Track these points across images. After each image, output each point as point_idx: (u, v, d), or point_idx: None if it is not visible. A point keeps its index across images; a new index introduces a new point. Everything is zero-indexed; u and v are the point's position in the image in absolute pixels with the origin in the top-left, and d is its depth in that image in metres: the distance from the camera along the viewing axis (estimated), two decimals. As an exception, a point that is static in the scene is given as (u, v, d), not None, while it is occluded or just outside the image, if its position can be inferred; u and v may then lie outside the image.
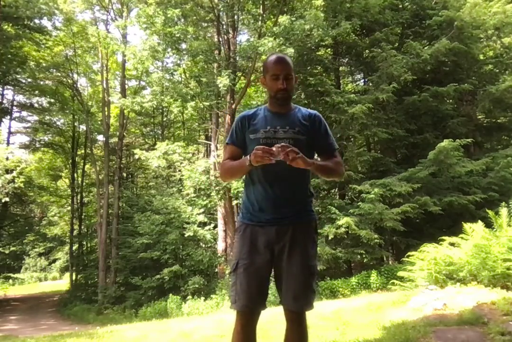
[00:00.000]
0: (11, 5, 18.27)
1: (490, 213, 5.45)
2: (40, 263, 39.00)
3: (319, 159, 2.13)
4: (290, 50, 11.54)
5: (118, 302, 15.66)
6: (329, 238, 11.07)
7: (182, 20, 14.03)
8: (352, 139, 14.00)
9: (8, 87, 22.82)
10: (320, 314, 4.71)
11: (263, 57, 12.10)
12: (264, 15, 13.81)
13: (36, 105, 24.41)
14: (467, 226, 5.42)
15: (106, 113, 20.54)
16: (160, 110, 24.09)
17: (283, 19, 11.84)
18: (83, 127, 25.01)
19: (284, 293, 1.97)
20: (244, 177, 2.15)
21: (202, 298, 12.22)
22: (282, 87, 1.99)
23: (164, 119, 25.65)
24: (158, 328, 6.22)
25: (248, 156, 1.88)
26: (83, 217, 25.86)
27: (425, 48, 13.37)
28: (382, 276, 10.47)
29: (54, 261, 37.85)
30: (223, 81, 12.22)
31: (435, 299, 4.22)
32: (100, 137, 24.93)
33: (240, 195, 12.87)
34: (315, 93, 13.79)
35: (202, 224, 14.78)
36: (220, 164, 2.18)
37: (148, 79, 15.26)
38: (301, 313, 2.01)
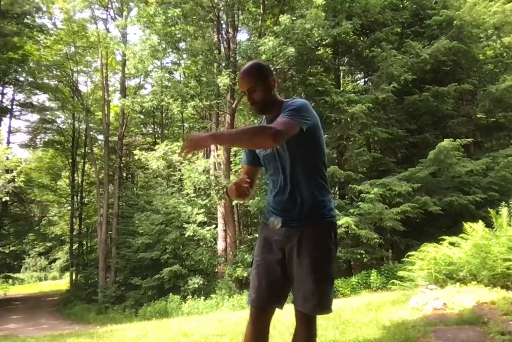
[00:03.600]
0: (8, 2, 18.24)
1: (491, 212, 5.45)
2: (40, 262, 39.00)
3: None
4: (291, 50, 11.52)
5: (118, 302, 15.65)
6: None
7: (182, 19, 14.01)
8: (352, 139, 14.00)
9: (8, 86, 22.83)
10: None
11: (263, 56, 12.09)
12: (264, 15, 13.80)
13: (36, 104, 24.42)
14: (467, 225, 5.41)
15: (106, 112, 20.53)
16: (160, 110, 24.06)
17: (284, 18, 11.83)
18: (83, 126, 25.02)
19: (296, 294, 1.99)
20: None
21: (202, 297, 12.23)
22: (249, 103, 2.06)
23: (164, 118, 25.65)
24: (158, 327, 6.23)
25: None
26: (83, 216, 25.85)
27: (425, 47, 13.37)
28: (382, 276, 10.48)
29: (54, 260, 37.85)
30: (223, 81, 12.21)
31: (435, 299, 4.22)
32: (100, 137, 24.94)
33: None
34: (315, 92, 13.79)
35: (202, 224, 14.77)
36: None
37: (151, 78, 15.26)
38: (310, 315, 2.01)
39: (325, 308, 1.99)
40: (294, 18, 12.10)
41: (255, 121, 15.16)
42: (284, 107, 1.99)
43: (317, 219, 2.01)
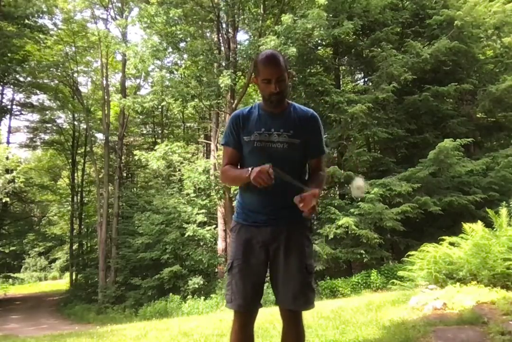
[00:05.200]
0: (11, 4, 18.30)
1: (491, 212, 5.44)
2: (40, 262, 38.98)
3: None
4: (292, 50, 11.50)
5: (118, 302, 15.66)
6: (329, 238, 11.07)
7: (183, 20, 14.01)
8: (352, 139, 13.99)
9: (8, 86, 22.81)
10: (320, 313, 4.70)
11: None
12: (265, 15, 13.80)
13: (36, 104, 24.41)
14: (467, 225, 5.41)
15: (106, 112, 20.53)
16: (160, 110, 24.08)
17: (286, 17, 11.79)
18: (83, 126, 25.04)
19: (283, 293, 1.96)
20: None
21: (202, 297, 12.23)
22: (275, 92, 1.92)
23: (164, 118, 25.66)
24: (158, 327, 6.22)
25: (248, 170, 1.81)
26: (83, 216, 25.85)
27: (425, 47, 13.36)
28: (382, 276, 10.48)
29: (54, 260, 37.84)
30: (224, 81, 12.19)
31: (435, 299, 4.21)
32: (100, 136, 24.96)
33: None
34: (315, 92, 13.79)
35: (202, 224, 14.77)
36: (221, 170, 2.11)
37: (151, 78, 15.23)
38: (299, 312, 2.00)
39: (312, 302, 2.00)
40: (295, 18, 12.09)
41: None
42: (299, 114, 2.01)
43: (300, 215, 1.98)
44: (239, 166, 2.07)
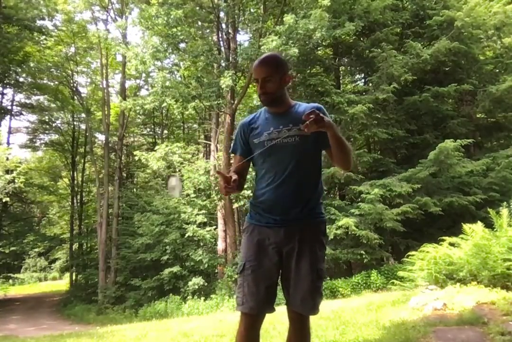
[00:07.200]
0: (12, 7, 18.33)
1: (491, 212, 5.44)
2: (40, 263, 38.95)
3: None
4: (294, 50, 11.50)
5: (118, 302, 15.65)
6: (329, 238, 11.07)
7: (183, 20, 14.02)
8: (352, 139, 13.99)
9: (8, 87, 22.81)
10: (320, 313, 4.67)
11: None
12: (265, 16, 13.80)
13: (35, 104, 24.39)
14: (467, 226, 5.41)
15: (106, 112, 20.54)
16: (160, 110, 24.08)
17: (288, 17, 11.78)
18: (83, 126, 25.04)
19: (292, 296, 1.95)
20: (254, 175, 2.14)
21: (202, 298, 12.23)
22: (260, 92, 1.98)
23: (164, 118, 25.65)
24: (158, 328, 6.22)
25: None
26: (83, 216, 25.84)
27: (425, 48, 13.37)
28: (382, 276, 10.48)
29: (54, 261, 37.81)
30: (226, 82, 12.19)
31: (435, 299, 4.21)
32: (100, 137, 24.96)
33: (240, 197, 12.92)
34: (315, 93, 13.77)
35: (202, 224, 14.77)
36: None
37: (151, 79, 15.20)
38: (306, 316, 2.00)
39: (317, 308, 1.99)
40: (297, 18, 12.08)
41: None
42: (305, 110, 1.97)
43: (315, 217, 2.01)
44: (255, 171, 2.12)
